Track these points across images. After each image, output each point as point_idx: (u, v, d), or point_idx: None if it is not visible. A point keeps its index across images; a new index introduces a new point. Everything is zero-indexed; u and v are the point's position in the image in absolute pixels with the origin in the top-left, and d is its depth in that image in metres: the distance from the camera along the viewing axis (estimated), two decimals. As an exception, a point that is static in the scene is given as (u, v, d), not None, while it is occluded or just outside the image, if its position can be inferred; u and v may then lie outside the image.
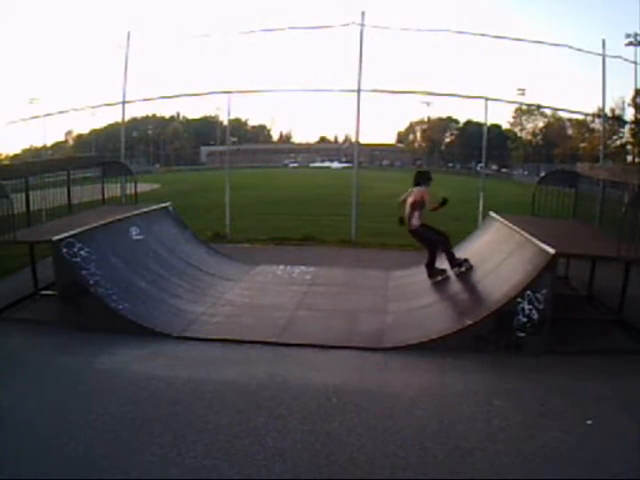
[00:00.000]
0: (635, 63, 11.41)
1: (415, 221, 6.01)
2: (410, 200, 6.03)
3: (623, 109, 35.45)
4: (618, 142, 38.57)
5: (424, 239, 6.15)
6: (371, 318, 5.37)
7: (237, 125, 68.58)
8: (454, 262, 5.96)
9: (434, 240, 6.06)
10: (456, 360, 4.29)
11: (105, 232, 5.72)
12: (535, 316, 4.43)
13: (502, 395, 3.70)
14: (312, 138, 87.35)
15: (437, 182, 6.34)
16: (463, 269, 5.87)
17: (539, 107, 51.00)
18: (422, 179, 6.15)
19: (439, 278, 6.02)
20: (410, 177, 6.32)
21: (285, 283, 6.72)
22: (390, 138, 79.40)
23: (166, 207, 7.57)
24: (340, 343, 4.67)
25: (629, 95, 32.41)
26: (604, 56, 9.62)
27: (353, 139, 10.87)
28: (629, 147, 36.09)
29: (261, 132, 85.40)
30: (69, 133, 61.68)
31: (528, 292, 4.45)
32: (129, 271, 5.56)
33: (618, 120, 30.71)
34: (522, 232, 5.49)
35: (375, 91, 10.28)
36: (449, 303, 5.45)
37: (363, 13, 9.46)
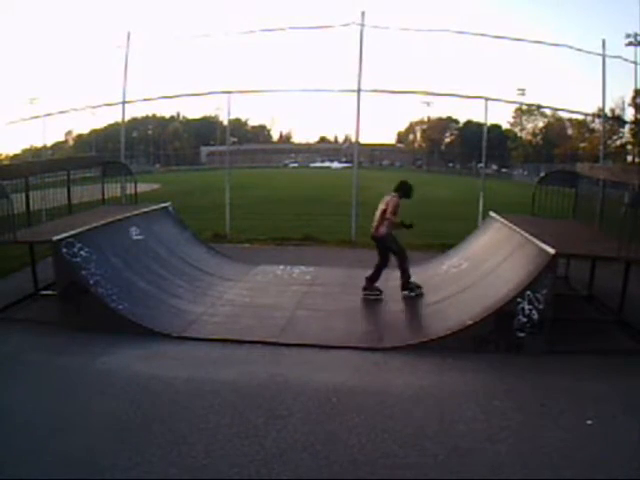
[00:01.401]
0: (635, 63, 11.42)
1: (382, 229, 5.86)
2: (381, 207, 5.90)
3: (623, 109, 35.62)
4: (618, 142, 38.56)
5: (387, 248, 5.94)
6: (371, 318, 5.37)
7: (237, 125, 68.55)
8: (407, 284, 5.89)
9: (397, 252, 5.88)
10: (456, 360, 4.29)
11: (105, 232, 5.72)
12: (535, 316, 4.43)
13: (502, 395, 3.71)
14: (312, 138, 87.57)
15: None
16: (413, 294, 5.82)
17: (539, 107, 51.11)
18: (399, 188, 6.00)
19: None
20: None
21: (285, 283, 6.71)
22: (390, 138, 79.65)
23: (166, 207, 7.57)
24: (340, 343, 4.66)
25: (629, 95, 32.54)
26: (604, 56, 9.62)
27: (353, 139, 10.87)
28: (629, 147, 36.09)
29: (261, 132, 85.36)
30: (69, 133, 61.78)
31: (528, 292, 4.45)
32: (129, 271, 5.56)
33: (618, 120, 30.76)
34: (522, 232, 5.49)
35: (375, 91, 10.27)
36: (449, 303, 5.44)
37: (363, 13, 9.47)
